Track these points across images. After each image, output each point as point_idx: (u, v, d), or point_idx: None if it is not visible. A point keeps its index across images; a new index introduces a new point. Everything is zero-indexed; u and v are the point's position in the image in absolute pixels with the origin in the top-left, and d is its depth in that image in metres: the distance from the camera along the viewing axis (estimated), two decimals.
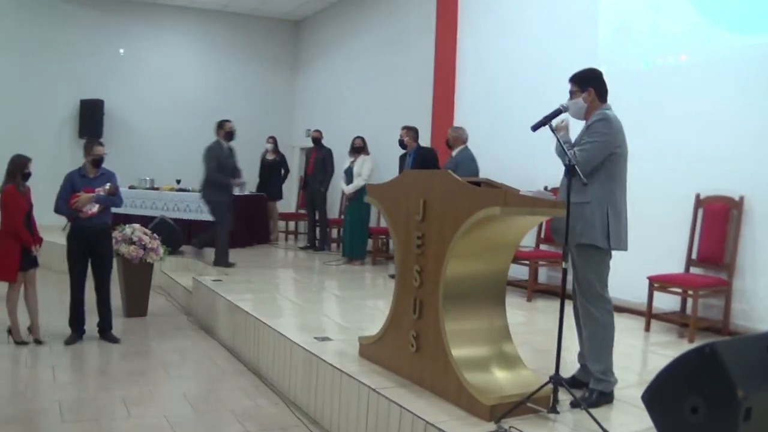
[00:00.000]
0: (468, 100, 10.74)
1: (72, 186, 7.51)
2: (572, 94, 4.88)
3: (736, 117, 6.92)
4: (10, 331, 7.50)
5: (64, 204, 7.47)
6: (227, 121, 10.80)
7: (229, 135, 10.69)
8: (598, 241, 4.60)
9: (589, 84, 4.85)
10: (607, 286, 4.77)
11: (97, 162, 7.64)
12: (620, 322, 7.23)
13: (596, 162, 4.60)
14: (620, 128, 4.74)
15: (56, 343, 7.50)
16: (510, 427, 3.97)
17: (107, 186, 7.56)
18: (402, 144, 10.25)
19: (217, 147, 10.46)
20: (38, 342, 7.47)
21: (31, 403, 5.73)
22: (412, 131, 10.24)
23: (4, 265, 7.21)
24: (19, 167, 7.31)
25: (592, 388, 4.59)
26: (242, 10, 16.19)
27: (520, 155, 8.81)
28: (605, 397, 4.56)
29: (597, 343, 4.68)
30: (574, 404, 4.31)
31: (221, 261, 10.30)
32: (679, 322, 7.05)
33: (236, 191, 11.10)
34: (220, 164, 10.35)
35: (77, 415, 5.46)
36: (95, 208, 7.51)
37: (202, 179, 10.54)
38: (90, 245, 7.58)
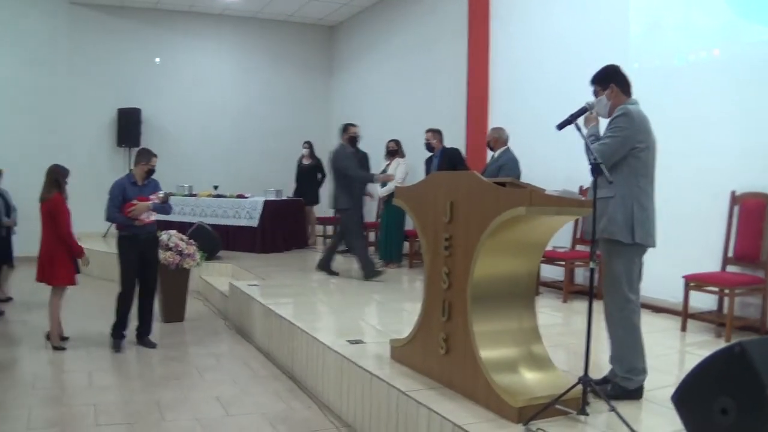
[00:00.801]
0: (502, 101, 10.69)
1: (123, 194, 7.59)
2: (596, 94, 4.91)
3: None
4: (47, 336, 7.67)
5: (117, 212, 7.56)
6: (352, 125, 10.37)
7: (353, 140, 10.32)
8: (621, 236, 4.56)
9: (610, 81, 4.86)
10: (634, 285, 4.76)
11: (151, 172, 7.83)
12: (656, 322, 7.27)
13: (617, 157, 4.58)
14: (643, 122, 4.73)
15: (94, 348, 7.62)
16: (538, 429, 3.94)
17: (161, 194, 7.74)
18: (429, 147, 10.25)
19: (343, 150, 10.09)
20: (57, 348, 7.56)
21: (68, 408, 5.80)
22: (437, 133, 10.27)
23: (63, 270, 7.47)
24: (63, 176, 7.57)
25: (613, 383, 4.63)
26: (276, 16, 16.27)
27: (556, 155, 8.73)
28: (626, 393, 4.54)
29: (618, 343, 4.71)
30: (605, 393, 4.25)
31: (370, 272, 9.80)
32: (716, 321, 6.93)
33: (367, 200, 10.77)
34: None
35: (111, 418, 5.52)
36: (152, 216, 7.70)
37: (334, 186, 10.16)
38: (142, 252, 7.71)
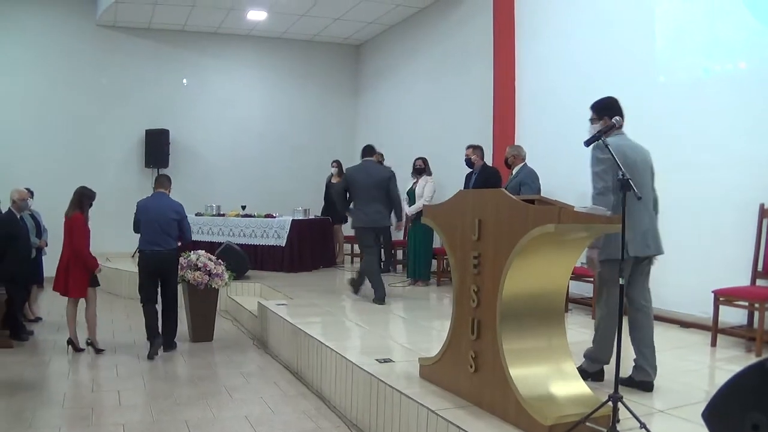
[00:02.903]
0: (528, 118, 10.72)
1: None
2: (591, 120, 5.53)
3: None
4: (69, 342, 8.32)
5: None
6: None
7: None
8: (614, 255, 4.77)
9: (604, 113, 5.44)
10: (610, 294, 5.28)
11: None
12: (686, 337, 7.28)
13: (610, 182, 5.05)
14: (617, 147, 4.89)
15: (122, 367, 7.76)
16: None
17: None
18: (469, 163, 10.27)
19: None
20: (98, 351, 8.31)
21: (97, 427, 5.86)
22: (478, 150, 10.31)
23: (77, 283, 8.12)
24: (89, 198, 8.18)
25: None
26: (302, 36, 16.43)
27: (582, 171, 8.72)
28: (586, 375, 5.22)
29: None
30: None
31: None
32: (746, 336, 6.89)
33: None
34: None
35: None
36: None
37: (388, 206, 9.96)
38: (158, 268, 8.48)
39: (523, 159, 9.23)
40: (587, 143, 4.96)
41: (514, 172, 9.22)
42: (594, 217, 4.30)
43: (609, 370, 5.08)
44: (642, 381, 5.23)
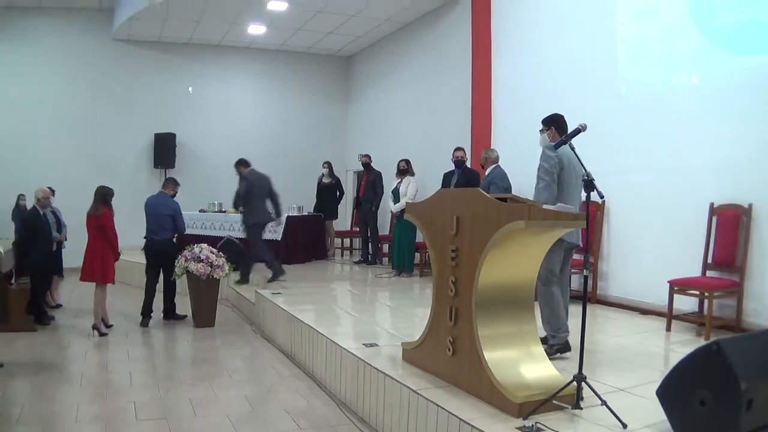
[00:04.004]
0: (504, 123, 10.77)
1: None
2: (541, 131, 5.94)
3: (742, 131, 6.88)
4: (94, 327, 8.46)
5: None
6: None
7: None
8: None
9: (551, 125, 5.89)
10: (556, 269, 5.68)
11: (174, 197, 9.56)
12: (644, 323, 7.34)
13: (553, 186, 5.50)
14: (564, 153, 5.43)
15: (133, 350, 7.79)
16: (536, 422, 3.97)
17: None
18: (458, 163, 10.29)
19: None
20: (102, 334, 8.47)
21: (111, 404, 5.89)
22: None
23: (111, 272, 8.41)
24: (110, 196, 8.50)
25: (550, 344, 5.55)
26: (297, 49, 16.39)
27: None
28: (562, 347, 5.54)
29: (546, 311, 5.68)
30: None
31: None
32: (697, 321, 6.95)
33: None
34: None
35: (149, 414, 5.58)
36: None
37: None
38: (158, 255, 9.28)
39: (495, 161, 9.27)
40: (557, 146, 5.17)
41: (486, 172, 9.27)
42: (560, 214, 4.33)
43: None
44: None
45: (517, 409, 4.11)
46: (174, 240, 9.50)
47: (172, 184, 9.59)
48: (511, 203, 4.57)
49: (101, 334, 8.42)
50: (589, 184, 4.28)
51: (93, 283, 8.40)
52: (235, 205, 10.80)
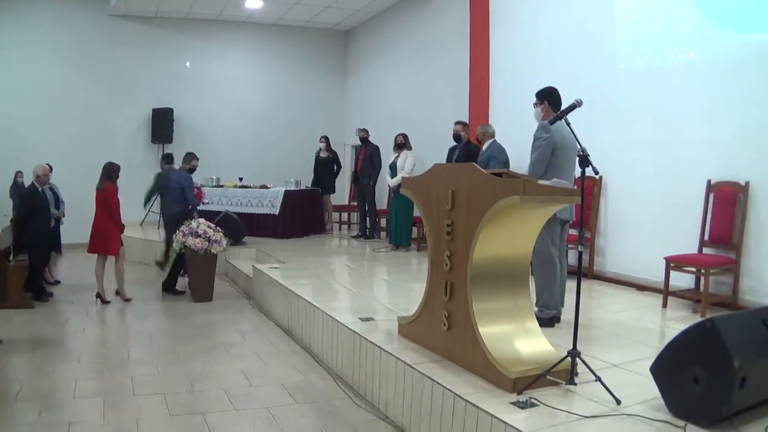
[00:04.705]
0: (501, 98, 10.67)
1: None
2: (534, 105, 6.01)
3: (740, 109, 6.80)
4: (98, 295, 8.83)
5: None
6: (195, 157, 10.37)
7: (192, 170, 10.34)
8: None
9: (544, 99, 5.93)
10: (556, 244, 5.79)
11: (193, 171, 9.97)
12: (640, 299, 7.32)
13: (546, 158, 5.59)
14: (557, 130, 5.49)
15: (130, 326, 7.89)
16: (530, 397, 3.96)
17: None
18: (457, 138, 10.22)
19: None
20: (127, 300, 8.95)
21: (110, 379, 5.89)
22: (467, 126, 10.28)
23: (114, 244, 8.77)
24: (115, 171, 8.87)
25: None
26: (295, 23, 16.24)
27: None
28: (541, 321, 5.22)
29: (539, 284, 5.79)
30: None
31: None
32: (693, 298, 6.94)
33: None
34: None
35: (147, 389, 5.58)
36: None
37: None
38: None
39: (492, 136, 9.22)
40: (552, 122, 5.13)
41: (484, 148, 9.20)
42: (555, 189, 4.29)
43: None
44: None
45: (511, 384, 4.11)
46: (187, 211, 9.65)
47: (188, 158, 9.96)
48: (507, 178, 4.54)
49: (103, 302, 8.76)
50: (585, 160, 4.24)
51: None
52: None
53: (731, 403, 3.41)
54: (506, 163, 8.84)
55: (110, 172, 8.79)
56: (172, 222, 9.59)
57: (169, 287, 9.50)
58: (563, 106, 5.08)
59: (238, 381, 5.84)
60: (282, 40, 16.55)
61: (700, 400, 3.51)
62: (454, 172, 4.97)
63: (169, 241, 9.62)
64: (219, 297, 9.31)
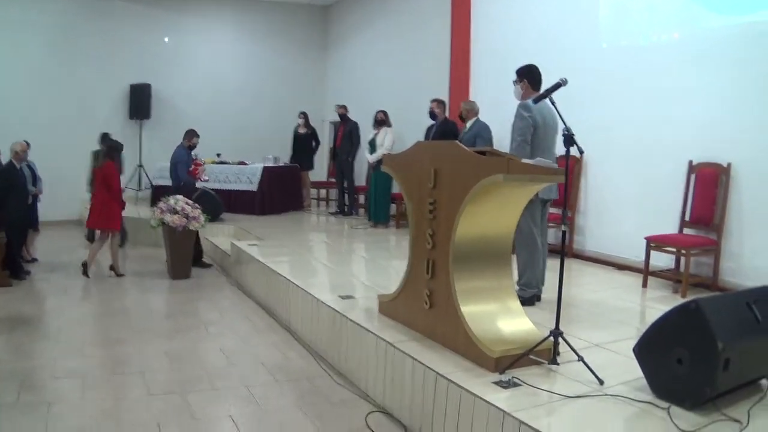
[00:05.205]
0: (482, 75, 10.61)
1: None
2: (514, 82, 5.94)
3: (723, 90, 6.79)
4: (84, 265, 8.87)
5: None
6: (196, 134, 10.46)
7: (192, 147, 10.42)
8: None
9: (524, 77, 5.87)
10: (537, 224, 5.79)
11: (193, 148, 10.19)
12: (620, 279, 7.33)
13: (529, 140, 5.55)
14: (537, 110, 5.50)
15: (110, 304, 7.77)
16: (513, 377, 3.94)
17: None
18: (432, 115, 10.17)
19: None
20: (120, 275, 9.00)
21: (88, 358, 5.79)
22: (441, 104, 10.22)
23: (114, 219, 8.94)
24: (119, 150, 9.23)
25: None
26: None
27: None
28: (522, 300, 5.12)
29: (521, 262, 5.79)
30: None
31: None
32: (674, 278, 6.96)
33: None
34: None
35: (126, 368, 5.51)
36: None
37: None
38: None
39: (476, 113, 9.19)
40: (536, 101, 5.03)
41: (468, 125, 9.16)
42: (539, 168, 4.25)
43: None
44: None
45: (493, 363, 4.08)
46: (180, 187, 9.80)
47: (188, 135, 10.19)
48: (491, 157, 4.49)
49: (84, 274, 8.83)
50: (569, 139, 4.19)
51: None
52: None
53: (715, 384, 3.40)
54: (490, 141, 8.81)
55: (110, 149, 9.01)
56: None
57: (196, 262, 9.52)
58: (546, 85, 5.02)
59: (217, 360, 5.78)
60: (261, 16, 16.34)
61: (684, 382, 3.49)
62: (437, 150, 4.91)
63: None
64: (197, 275, 9.23)
